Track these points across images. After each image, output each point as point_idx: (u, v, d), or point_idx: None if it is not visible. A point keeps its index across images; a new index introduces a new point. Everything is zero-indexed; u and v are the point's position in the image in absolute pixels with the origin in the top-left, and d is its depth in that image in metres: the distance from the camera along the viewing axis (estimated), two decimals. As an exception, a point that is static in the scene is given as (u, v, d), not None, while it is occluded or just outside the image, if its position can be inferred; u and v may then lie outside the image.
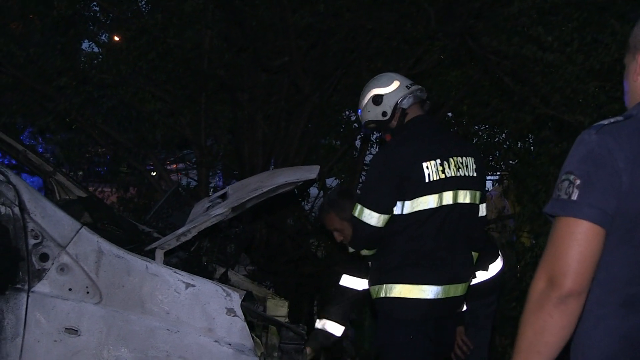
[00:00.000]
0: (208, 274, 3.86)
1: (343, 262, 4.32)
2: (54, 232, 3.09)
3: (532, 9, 4.79)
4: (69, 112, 5.77)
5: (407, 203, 3.21)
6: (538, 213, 5.55)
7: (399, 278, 3.26)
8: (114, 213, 4.49)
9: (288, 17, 5.44)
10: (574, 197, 1.77)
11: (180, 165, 7.93)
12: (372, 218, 3.22)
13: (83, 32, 6.60)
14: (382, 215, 3.21)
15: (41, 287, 3.06)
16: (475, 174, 3.38)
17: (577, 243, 1.75)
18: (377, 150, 6.66)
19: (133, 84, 6.02)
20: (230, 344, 3.10)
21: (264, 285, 4.37)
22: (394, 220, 3.24)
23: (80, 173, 7.78)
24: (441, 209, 3.24)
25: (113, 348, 3.05)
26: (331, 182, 6.79)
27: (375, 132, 3.67)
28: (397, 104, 3.38)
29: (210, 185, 6.83)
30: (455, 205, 3.28)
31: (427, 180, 3.21)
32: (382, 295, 3.30)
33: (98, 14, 6.53)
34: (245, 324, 3.14)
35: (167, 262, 3.31)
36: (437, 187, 3.23)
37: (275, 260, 5.98)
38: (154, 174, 6.76)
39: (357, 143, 6.62)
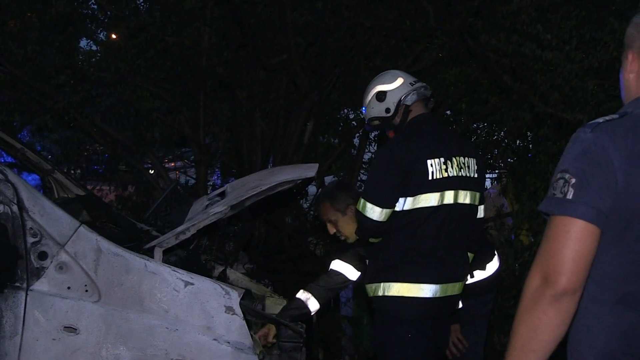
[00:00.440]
0: (207, 272, 3.86)
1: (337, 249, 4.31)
2: (53, 230, 3.09)
3: (531, 7, 4.79)
4: (67, 110, 5.76)
5: (409, 199, 3.22)
6: (536, 211, 5.53)
7: (397, 276, 3.26)
8: (112, 211, 4.49)
9: (287, 14, 5.43)
10: (569, 196, 1.77)
11: (179, 163, 7.93)
12: (375, 212, 3.22)
13: (81, 29, 6.58)
14: (385, 210, 3.22)
15: (40, 285, 3.06)
16: (476, 175, 3.39)
17: (572, 242, 1.75)
18: (375, 148, 6.67)
19: (131, 81, 6.01)
20: (229, 342, 3.10)
21: (263, 284, 4.37)
22: (394, 216, 3.24)
23: (79, 171, 7.78)
24: (442, 207, 3.25)
25: (112, 346, 3.05)
26: (330, 180, 6.79)
27: (378, 130, 3.66)
28: (400, 100, 3.39)
29: (208, 183, 6.82)
30: (456, 205, 3.29)
31: (430, 177, 3.21)
32: (380, 293, 3.30)
33: (96, 12, 6.51)
34: (244, 322, 3.14)
35: (165, 261, 3.31)
36: (440, 185, 3.23)
37: (274, 258, 5.98)
38: (153, 172, 6.75)
39: (356, 141, 6.62)
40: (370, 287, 3.37)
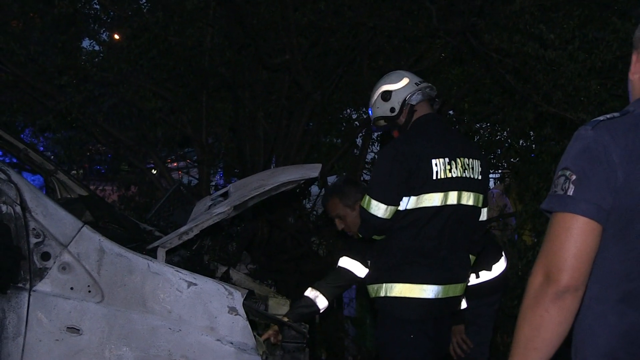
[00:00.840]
0: (210, 273, 3.86)
1: (343, 247, 4.31)
2: (56, 230, 3.09)
3: (533, 7, 4.79)
4: (70, 110, 5.76)
5: (413, 198, 3.22)
6: (540, 211, 5.52)
7: (399, 277, 3.26)
8: (115, 212, 4.49)
9: (289, 14, 5.43)
10: (570, 192, 1.78)
11: (181, 164, 7.92)
12: (380, 210, 3.22)
13: (84, 30, 6.59)
14: (390, 207, 3.22)
15: (43, 286, 3.06)
16: (480, 177, 3.39)
17: (573, 238, 1.76)
18: (378, 148, 6.66)
19: (134, 82, 6.01)
20: (232, 343, 3.09)
21: (266, 284, 4.37)
22: (397, 215, 3.24)
23: (81, 171, 7.78)
24: (445, 208, 3.24)
25: (115, 347, 3.05)
26: (332, 180, 6.78)
27: (384, 131, 3.66)
28: (405, 100, 3.40)
29: (211, 184, 6.82)
30: (459, 206, 3.28)
31: (434, 177, 3.21)
32: (382, 294, 3.30)
33: (99, 12, 6.51)
34: (247, 322, 3.14)
35: (169, 261, 3.31)
36: (444, 185, 3.23)
37: (277, 258, 5.98)
38: (155, 172, 6.76)
39: (359, 141, 6.62)
40: (372, 288, 3.37)
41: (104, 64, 5.98)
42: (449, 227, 3.27)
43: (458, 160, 3.29)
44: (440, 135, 3.34)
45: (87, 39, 6.93)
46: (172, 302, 3.10)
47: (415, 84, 3.44)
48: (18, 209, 3.06)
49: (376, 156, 6.40)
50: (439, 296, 3.27)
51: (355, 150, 6.71)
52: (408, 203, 3.23)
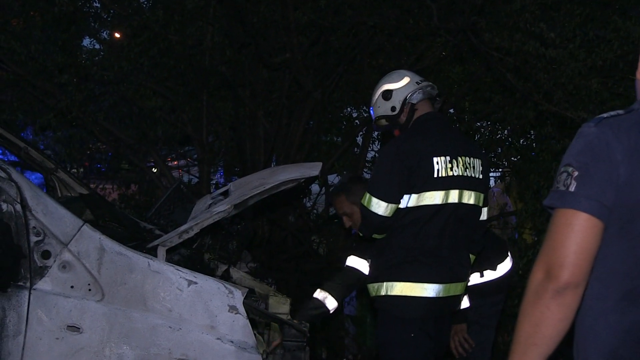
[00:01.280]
0: (210, 271, 3.86)
1: (351, 245, 4.31)
2: (56, 229, 3.09)
3: (534, 5, 4.78)
4: (70, 108, 5.77)
5: (414, 196, 3.22)
6: (540, 210, 5.54)
7: (399, 276, 3.26)
8: (115, 210, 4.49)
9: (289, 13, 5.43)
10: (572, 188, 1.77)
11: (182, 162, 7.92)
12: (380, 207, 3.22)
13: (84, 28, 6.58)
14: (391, 205, 3.22)
15: (43, 284, 3.06)
16: (481, 176, 3.39)
17: (574, 235, 1.75)
18: (379, 147, 6.66)
19: (134, 80, 6.01)
20: (232, 342, 3.09)
21: (266, 282, 4.37)
22: (398, 213, 3.24)
23: (82, 170, 7.78)
24: (446, 207, 3.24)
25: (115, 346, 3.05)
26: (333, 178, 6.79)
27: (386, 130, 3.66)
28: (406, 99, 3.40)
29: (211, 182, 6.82)
30: (460, 204, 3.28)
31: (435, 175, 3.21)
32: (383, 293, 3.29)
33: (99, 11, 6.51)
34: (247, 321, 3.14)
35: (169, 260, 3.31)
36: (445, 184, 3.23)
37: (277, 257, 5.98)
38: (155, 170, 6.76)
39: (359, 140, 6.62)
40: (373, 287, 3.37)
41: (105, 63, 5.98)
42: (450, 226, 3.26)
43: (459, 159, 3.29)
44: (441, 134, 3.34)
45: (87, 37, 6.92)
46: (173, 300, 3.10)
47: (416, 83, 3.44)
48: (18, 207, 3.06)
49: (377, 155, 6.40)
50: (440, 295, 3.26)
51: (355, 149, 6.71)
52: (409, 201, 3.23)
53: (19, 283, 3.04)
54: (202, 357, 3.08)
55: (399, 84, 3.44)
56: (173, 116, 6.40)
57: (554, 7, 5.03)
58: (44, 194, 3.21)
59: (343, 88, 6.32)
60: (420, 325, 3.26)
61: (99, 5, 6.46)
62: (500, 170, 6.96)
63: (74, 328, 3.04)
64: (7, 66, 5.78)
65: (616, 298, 1.80)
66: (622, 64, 4.80)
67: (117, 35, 6.68)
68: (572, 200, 1.77)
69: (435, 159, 3.22)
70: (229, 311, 3.12)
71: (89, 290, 3.08)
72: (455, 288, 3.34)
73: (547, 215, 1.86)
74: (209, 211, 3.46)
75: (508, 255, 4.11)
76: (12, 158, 5.91)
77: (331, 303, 3.82)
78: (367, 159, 6.54)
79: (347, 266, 3.90)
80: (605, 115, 1.84)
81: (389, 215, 3.24)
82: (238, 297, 3.14)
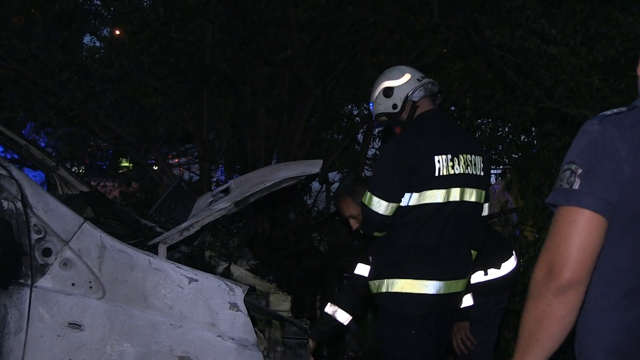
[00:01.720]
0: (211, 269, 3.86)
1: (358, 252, 4.28)
2: (57, 227, 3.08)
3: (535, 2, 4.78)
4: (71, 106, 5.77)
5: (415, 195, 3.21)
6: (541, 207, 5.54)
7: (400, 273, 3.26)
8: (116, 208, 4.48)
9: (290, 10, 5.42)
10: (576, 186, 1.76)
11: (183, 160, 7.93)
12: (381, 206, 3.21)
13: (85, 26, 6.59)
14: (391, 204, 3.21)
15: (44, 282, 3.05)
16: (482, 173, 3.38)
17: (577, 232, 1.74)
18: (379, 144, 6.66)
19: (135, 78, 6.01)
20: (233, 339, 3.09)
21: (267, 280, 4.37)
22: (399, 212, 3.23)
23: (83, 168, 7.79)
24: (447, 205, 3.24)
25: (116, 343, 3.05)
26: (334, 176, 6.79)
27: (386, 126, 3.64)
28: (407, 96, 3.38)
29: (212, 180, 6.82)
30: (462, 202, 3.28)
31: (437, 174, 3.20)
32: (384, 290, 3.29)
33: (100, 8, 6.52)
34: (248, 318, 3.14)
35: (170, 257, 3.31)
36: (446, 182, 3.22)
37: (278, 254, 5.98)
38: (156, 168, 6.76)
39: (360, 137, 6.61)
40: (374, 284, 3.36)
41: (105, 60, 5.98)
42: (451, 224, 3.26)
43: (460, 156, 3.28)
44: (442, 132, 3.33)
45: (88, 35, 6.93)
46: (173, 298, 3.10)
47: (417, 79, 3.41)
48: (19, 205, 3.06)
49: (377, 152, 6.40)
50: (441, 292, 3.26)
51: (356, 147, 6.71)
52: (410, 200, 3.22)
53: (20, 280, 3.04)
54: (203, 354, 3.08)
55: (400, 81, 3.41)
56: (174, 114, 6.41)
57: (555, 3, 5.03)
58: (45, 192, 3.21)
59: (344, 85, 6.32)
60: (421, 322, 3.26)
61: (99, 3, 6.47)
62: (501, 167, 6.97)
63: (75, 325, 3.04)
64: (7, 64, 5.78)
65: (619, 296, 1.79)
66: (624, 61, 4.80)
67: (117, 32, 6.69)
68: (576, 198, 1.76)
69: (436, 158, 3.21)
70: (229, 309, 3.11)
71: (90, 287, 3.08)
72: (456, 285, 3.33)
73: (548, 213, 1.86)
74: (210, 209, 3.45)
75: (513, 254, 4.09)
76: (13, 156, 5.92)
77: (342, 316, 3.78)
78: (367, 156, 6.53)
79: (355, 274, 3.86)
80: (608, 112, 1.83)
81: (390, 214, 3.23)
82: (239, 294, 3.14)
